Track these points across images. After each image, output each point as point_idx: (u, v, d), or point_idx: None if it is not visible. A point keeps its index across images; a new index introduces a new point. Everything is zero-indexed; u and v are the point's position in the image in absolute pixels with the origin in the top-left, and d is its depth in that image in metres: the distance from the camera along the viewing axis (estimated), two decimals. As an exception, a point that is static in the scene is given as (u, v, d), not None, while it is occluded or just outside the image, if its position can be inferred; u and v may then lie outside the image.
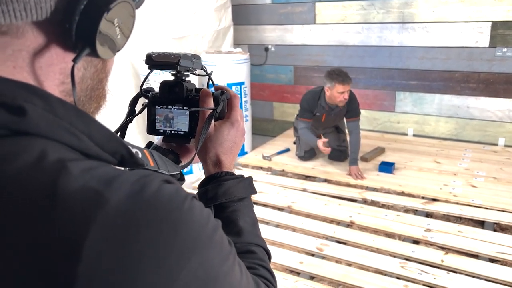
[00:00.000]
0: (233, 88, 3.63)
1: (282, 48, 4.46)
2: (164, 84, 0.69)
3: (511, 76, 3.53)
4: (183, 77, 0.70)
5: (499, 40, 3.50)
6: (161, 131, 0.70)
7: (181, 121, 0.70)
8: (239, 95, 3.69)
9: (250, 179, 0.68)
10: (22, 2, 0.33)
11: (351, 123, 3.21)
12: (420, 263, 2.17)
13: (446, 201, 2.79)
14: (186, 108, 0.69)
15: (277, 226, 2.59)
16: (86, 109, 0.42)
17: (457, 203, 2.75)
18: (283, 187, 3.09)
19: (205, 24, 3.82)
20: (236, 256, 0.44)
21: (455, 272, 2.09)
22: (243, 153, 3.83)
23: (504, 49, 3.49)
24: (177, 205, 0.36)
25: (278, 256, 2.25)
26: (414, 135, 4.06)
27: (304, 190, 3.04)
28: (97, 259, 0.31)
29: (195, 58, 0.69)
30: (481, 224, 2.54)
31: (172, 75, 0.70)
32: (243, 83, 3.67)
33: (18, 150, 0.33)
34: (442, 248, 2.29)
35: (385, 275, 2.10)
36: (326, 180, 3.19)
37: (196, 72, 0.72)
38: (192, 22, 3.69)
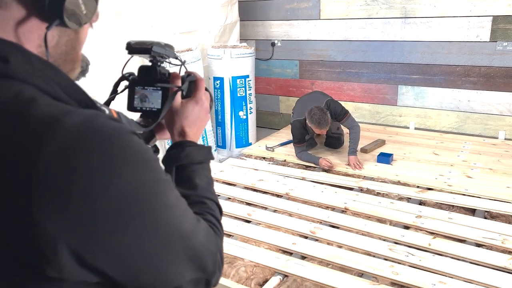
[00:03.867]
0: (238, 81, 3.77)
1: (288, 43, 4.57)
2: (141, 68, 0.82)
3: (511, 70, 3.58)
4: (158, 63, 0.82)
5: (499, 34, 3.54)
6: (138, 108, 0.81)
7: (154, 99, 0.82)
8: (247, 88, 3.81)
9: (209, 148, 0.80)
10: None
11: (345, 122, 3.36)
12: (408, 246, 2.27)
13: (441, 190, 2.87)
14: (159, 88, 0.82)
15: (275, 211, 2.71)
16: (62, 69, 0.55)
17: (451, 192, 2.83)
18: (283, 176, 3.21)
19: (212, 19, 3.96)
20: (173, 187, 0.56)
21: (441, 255, 2.19)
22: (247, 144, 3.97)
23: (505, 43, 3.54)
24: (120, 133, 0.48)
25: (272, 238, 2.38)
26: (416, 128, 4.13)
27: (303, 178, 3.16)
28: (49, 165, 0.43)
29: (168, 47, 0.81)
30: (472, 212, 2.62)
31: (150, 61, 0.83)
32: (247, 76, 3.80)
33: (1, 88, 0.46)
34: (431, 233, 2.38)
35: (374, 256, 2.20)
36: (325, 170, 3.30)
37: (170, 60, 0.84)
38: (199, 17, 3.83)
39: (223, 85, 3.77)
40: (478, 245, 2.27)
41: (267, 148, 3.75)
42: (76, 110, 0.48)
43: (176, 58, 0.84)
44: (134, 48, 0.78)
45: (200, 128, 0.80)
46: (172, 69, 0.86)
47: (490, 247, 2.23)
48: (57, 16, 0.51)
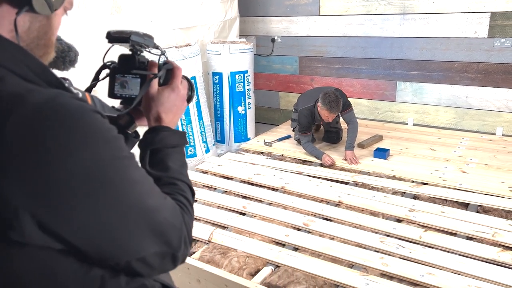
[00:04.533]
0: (236, 76, 3.80)
1: (288, 39, 4.60)
2: (121, 56, 0.86)
3: (509, 66, 3.58)
4: (138, 52, 0.86)
5: (497, 30, 3.55)
6: (118, 94, 0.85)
7: (133, 86, 0.85)
8: (246, 83, 3.85)
9: (184, 133, 0.84)
10: None
11: (346, 114, 3.39)
12: (399, 239, 2.30)
13: (435, 185, 2.89)
14: (138, 76, 0.85)
15: (270, 204, 2.75)
16: (35, 53, 0.59)
17: (445, 187, 2.85)
18: (280, 170, 3.24)
19: (211, 15, 3.99)
20: (137, 165, 0.60)
21: (432, 247, 2.21)
22: (246, 139, 4.01)
23: (503, 40, 3.54)
24: (81, 111, 0.52)
25: (266, 230, 2.41)
26: (414, 124, 4.14)
27: (300, 173, 3.19)
28: (12, 138, 0.47)
29: (147, 36, 0.84)
30: (465, 206, 2.64)
31: (130, 50, 0.86)
32: (246, 71, 3.84)
33: None
34: (422, 226, 2.41)
35: (365, 248, 2.23)
36: (322, 164, 3.34)
37: (150, 49, 0.87)
38: (199, 13, 3.86)
39: (222, 80, 3.81)
40: (469, 238, 2.29)
41: (265, 143, 3.79)
42: (41, 89, 0.51)
43: (156, 47, 0.88)
44: (113, 37, 0.81)
45: (176, 114, 0.83)
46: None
47: (480, 240, 2.25)
48: (26, 3, 0.55)
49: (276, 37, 4.65)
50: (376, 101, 4.30)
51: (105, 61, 0.86)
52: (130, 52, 0.86)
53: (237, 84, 3.82)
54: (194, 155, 3.53)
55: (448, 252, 2.17)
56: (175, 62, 0.88)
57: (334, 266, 2.08)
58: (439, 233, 2.33)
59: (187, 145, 3.44)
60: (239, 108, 3.90)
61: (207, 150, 3.64)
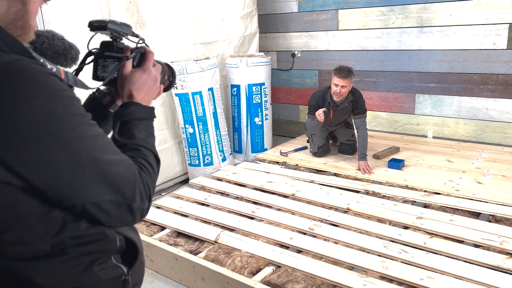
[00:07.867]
0: (253, 88, 3.92)
1: (307, 53, 4.70)
2: (102, 43, 0.99)
3: (529, 77, 3.52)
4: (117, 39, 0.98)
5: (517, 41, 3.51)
6: (101, 77, 0.97)
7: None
8: (263, 95, 3.95)
9: (152, 108, 0.94)
10: None
11: (358, 119, 3.41)
12: (404, 244, 2.29)
13: (448, 195, 2.86)
14: (116, 60, 0.97)
15: (279, 210, 2.81)
16: (14, 32, 0.70)
17: (458, 197, 2.81)
18: (292, 178, 3.30)
19: (231, 31, 4.16)
20: (93, 124, 0.70)
21: (436, 253, 2.19)
22: (263, 149, 4.09)
23: (522, 51, 3.49)
24: (38, 72, 0.63)
25: (271, 233, 2.47)
26: (434, 137, 4.10)
27: (312, 181, 3.23)
28: None
29: (124, 25, 0.97)
30: (477, 216, 2.60)
31: (110, 37, 0.98)
32: (263, 84, 3.95)
33: None
34: (429, 233, 2.39)
35: (367, 252, 2.24)
36: (335, 174, 3.36)
37: (128, 37, 0.99)
38: (219, 29, 4.04)
39: (240, 92, 3.94)
40: (476, 246, 2.26)
41: (281, 153, 3.86)
42: (5, 55, 0.63)
43: (135, 36, 1.00)
44: (93, 26, 0.94)
45: (148, 93, 0.94)
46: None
47: (487, 248, 2.21)
48: None
49: (296, 52, 4.76)
50: (395, 114, 4.30)
51: (89, 48, 0.99)
52: (111, 40, 0.98)
53: (254, 96, 3.94)
54: (210, 163, 3.65)
55: (452, 258, 2.14)
56: (148, 47, 0.99)
57: (334, 268, 2.11)
58: (445, 240, 2.31)
59: (204, 147, 3.56)
60: (256, 119, 4.01)
61: (224, 159, 3.75)
